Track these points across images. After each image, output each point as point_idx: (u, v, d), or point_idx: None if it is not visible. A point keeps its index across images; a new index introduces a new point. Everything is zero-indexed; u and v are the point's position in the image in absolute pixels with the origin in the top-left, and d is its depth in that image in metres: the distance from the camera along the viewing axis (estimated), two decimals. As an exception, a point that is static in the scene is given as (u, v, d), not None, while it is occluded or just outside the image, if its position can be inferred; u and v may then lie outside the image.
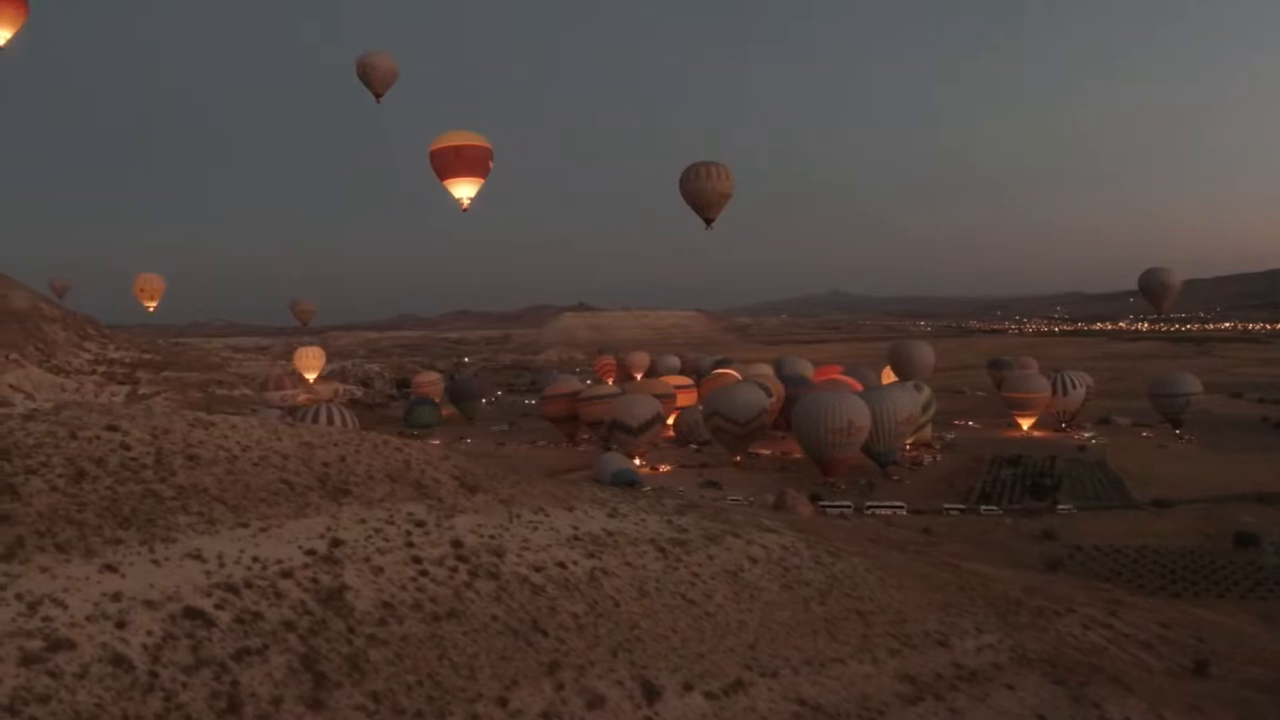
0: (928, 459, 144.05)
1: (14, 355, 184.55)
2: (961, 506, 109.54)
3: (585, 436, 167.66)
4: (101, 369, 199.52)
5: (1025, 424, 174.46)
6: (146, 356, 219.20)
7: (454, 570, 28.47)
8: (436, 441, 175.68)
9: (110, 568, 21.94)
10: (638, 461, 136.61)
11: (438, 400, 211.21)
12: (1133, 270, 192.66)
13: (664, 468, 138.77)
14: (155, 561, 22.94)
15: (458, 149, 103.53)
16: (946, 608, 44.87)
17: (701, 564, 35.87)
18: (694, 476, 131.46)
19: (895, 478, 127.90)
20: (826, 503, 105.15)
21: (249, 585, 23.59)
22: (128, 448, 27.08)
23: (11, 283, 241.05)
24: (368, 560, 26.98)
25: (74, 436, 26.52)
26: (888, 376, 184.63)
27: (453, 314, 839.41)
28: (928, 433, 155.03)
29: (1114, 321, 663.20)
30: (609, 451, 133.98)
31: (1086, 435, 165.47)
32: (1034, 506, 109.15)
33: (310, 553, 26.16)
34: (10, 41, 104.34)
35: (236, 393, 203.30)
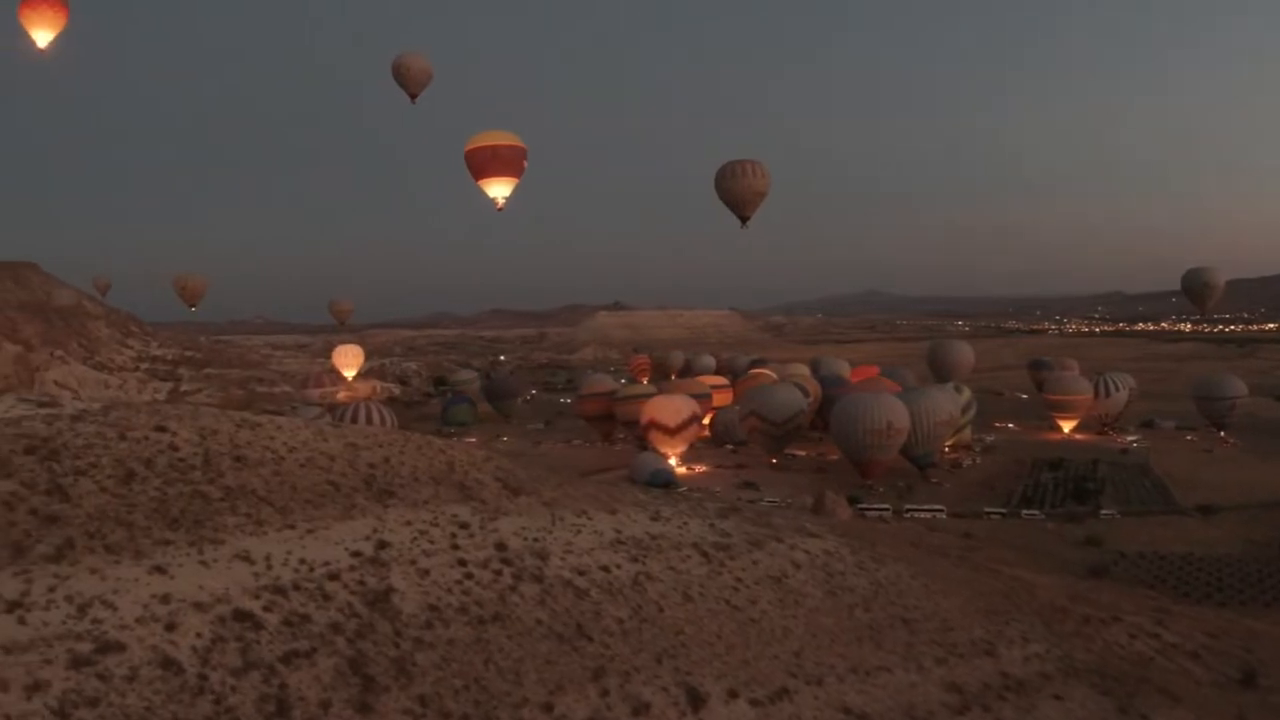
0: (967, 461, 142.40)
1: (59, 352, 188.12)
2: (1003, 510, 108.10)
3: (621, 436, 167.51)
4: (144, 366, 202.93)
5: (1066, 426, 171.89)
6: (188, 354, 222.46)
7: (498, 573, 28.40)
8: (473, 439, 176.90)
9: (159, 569, 22.04)
10: (673, 461, 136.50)
11: (473, 398, 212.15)
12: (1175, 270, 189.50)
13: (700, 468, 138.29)
14: (204, 563, 23.03)
15: (493, 149, 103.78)
16: (992, 615, 44.26)
17: (745, 569, 35.57)
18: (730, 477, 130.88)
19: (934, 480, 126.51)
20: (864, 505, 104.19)
21: (297, 587, 23.63)
22: (176, 448, 27.23)
23: (55, 281, 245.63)
24: (414, 563, 26.97)
25: (123, 437, 26.70)
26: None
27: (488, 312, 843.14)
28: (967, 434, 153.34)
29: (1156, 322, 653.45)
30: (646, 451, 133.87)
31: (1129, 438, 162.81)
32: (1077, 511, 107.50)
33: (356, 554, 26.18)
34: (51, 44, 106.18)
35: (277, 390, 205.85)
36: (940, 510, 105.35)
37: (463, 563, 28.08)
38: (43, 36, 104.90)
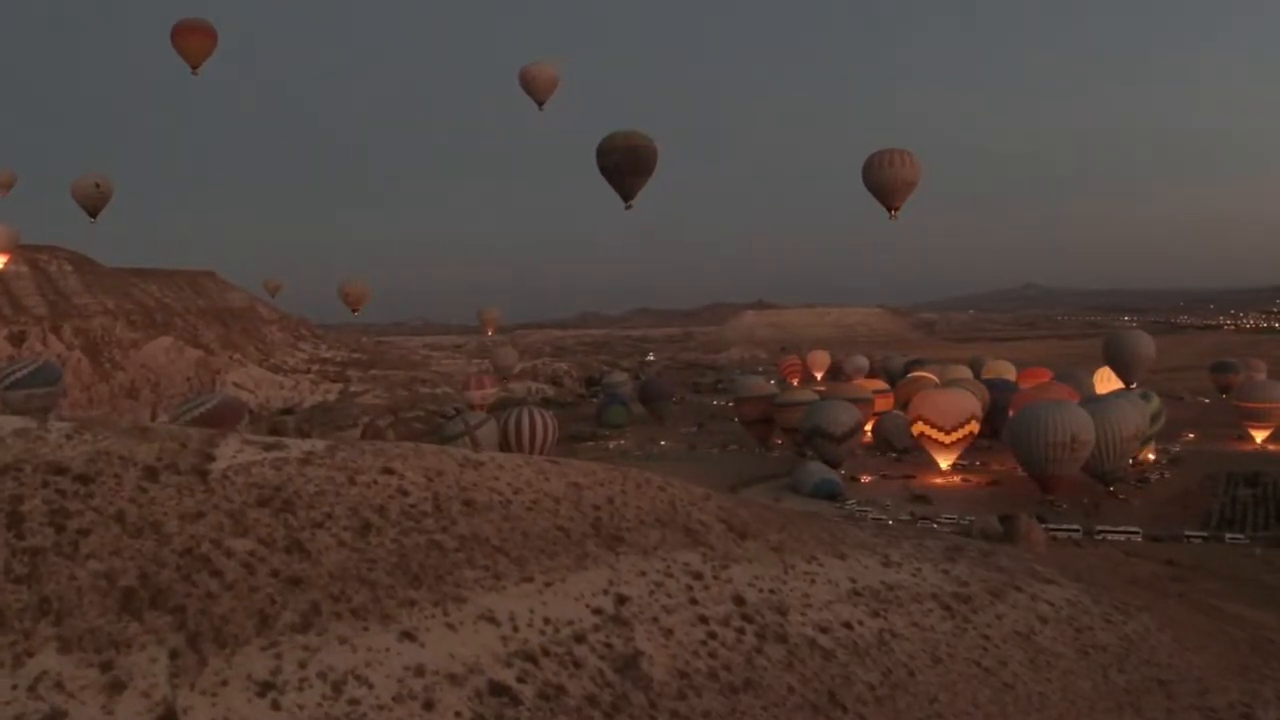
0: (1154, 475, 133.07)
1: (237, 356, 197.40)
2: (1204, 534, 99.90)
3: (778, 441, 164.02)
4: (315, 368, 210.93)
5: (1259, 436, 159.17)
6: (355, 356, 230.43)
7: (741, 632, 26.04)
8: (622, 441, 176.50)
9: (408, 635, 20.43)
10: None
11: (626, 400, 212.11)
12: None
13: (866, 478, 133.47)
14: (450, 625, 21.36)
15: (623, 148, 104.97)
16: (1245, 672, 39.84)
17: (991, 624, 32.26)
18: (899, 489, 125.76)
19: (1121, 496, 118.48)
20: (1052, 525, 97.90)
21: (546, 653, 21.76)
22: (406, 493, 25.82)
23: (228, 285, 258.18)
24: (656, 620, 24.87)
25: (353, 482, 25.40)
26: (1102, 380, 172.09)
27: (634, 312, 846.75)
28: (1150, 445, 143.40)
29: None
30: (810, 460, 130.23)
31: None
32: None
33: (598, 611, 24.23)
34: (203, 65, 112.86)
35: (439, 391, 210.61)
36: (1135, 532, 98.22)
37: (704, 620, 25.83)
38: (195, 59, 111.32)
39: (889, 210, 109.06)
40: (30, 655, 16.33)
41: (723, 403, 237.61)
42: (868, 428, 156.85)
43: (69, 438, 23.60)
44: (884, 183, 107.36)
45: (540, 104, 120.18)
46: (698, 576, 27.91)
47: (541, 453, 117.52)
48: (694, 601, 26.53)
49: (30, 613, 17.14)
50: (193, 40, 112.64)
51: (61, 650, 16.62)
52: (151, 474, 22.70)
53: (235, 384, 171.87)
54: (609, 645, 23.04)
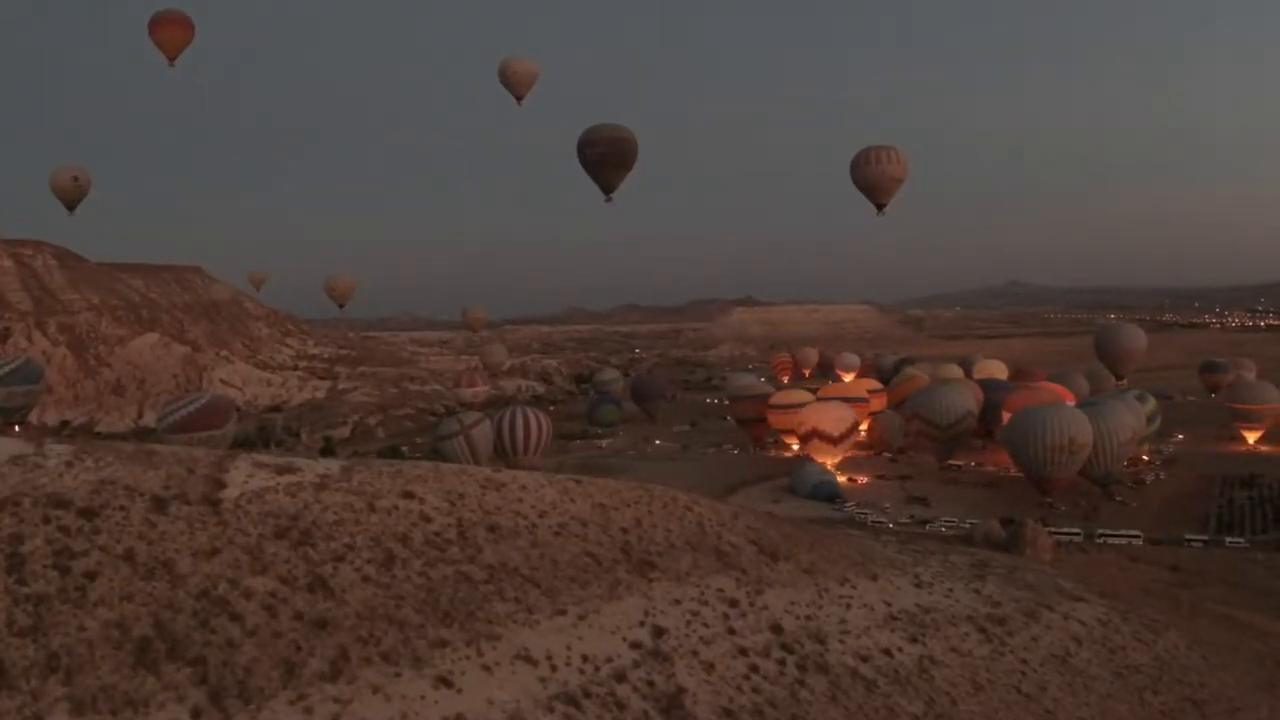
0: (1149, 476, 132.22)
1: (224, 352, 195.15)
2: (1204, 538, 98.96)
3: (771, 440, 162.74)
4: (303, 365, 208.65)
5: (1251, 437, 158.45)
6: (343, 352, 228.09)
7: (782, 664, 24.83)
8: (614, 440, 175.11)
9: (444, 680, 19.10)
10: (829, 464, 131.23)
11: (618, 398, 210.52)
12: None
13: (862, 479, 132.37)
14: (486, 667, 20.03)
15: (606, 141, 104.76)
16: (1272, 689, 39.32)
17: (1027, 647, 31.18)
18: (896, 490, 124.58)
19: (1119, 498, 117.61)
20: (1053, 530, 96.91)
21: (587, 694, 20.48)
22: (428, 519, 24.45)
23: (214, 280, 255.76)
24: (695, 654, 23.61)
25: (372, 508, 23.99)
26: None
27: (622, 308, 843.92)
28: (1144, 445, 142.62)
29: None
30: (808, 462, 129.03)
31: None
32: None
33: (636, 646, 22.96)
34: (179, 57, 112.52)
35: (429, 388, 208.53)
36: (1136, 536, 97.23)
37: (744, 651, 24.61)
38: (171, 51, 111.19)
39: (877, 207, 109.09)
40: (40, 719, 14.90)
41: (715, 400, 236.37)
42: (863, 427, 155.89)
43: (69, 465, 22.07)
44: (872, 179, 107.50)
45: (519, 98, 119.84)
46: (733, 604, 26.67)
47: (536, 453, 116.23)
48: (732, 631, 25.30)
49: (38, 670, 15.67)
50: (170, 32, 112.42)
51: (73, 712, 15.17)
52: (160, 505, 21.22)
53: (222, 381, 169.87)
54: (650, 683, 21.77)
